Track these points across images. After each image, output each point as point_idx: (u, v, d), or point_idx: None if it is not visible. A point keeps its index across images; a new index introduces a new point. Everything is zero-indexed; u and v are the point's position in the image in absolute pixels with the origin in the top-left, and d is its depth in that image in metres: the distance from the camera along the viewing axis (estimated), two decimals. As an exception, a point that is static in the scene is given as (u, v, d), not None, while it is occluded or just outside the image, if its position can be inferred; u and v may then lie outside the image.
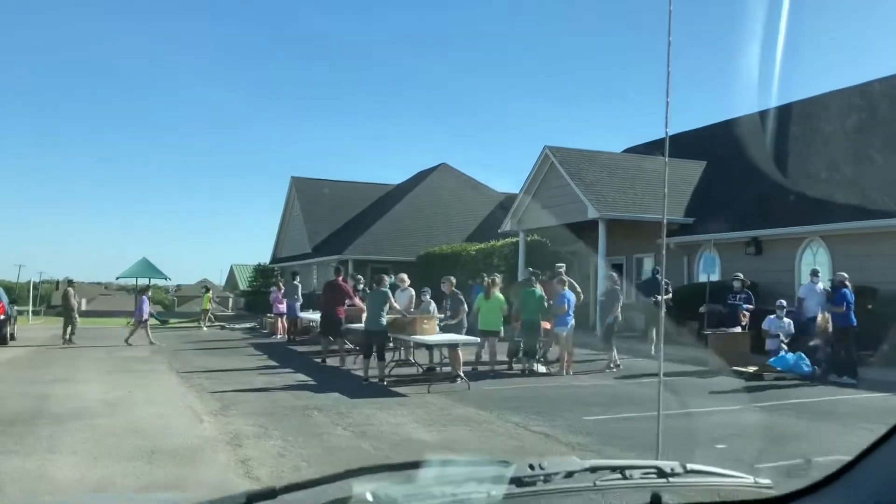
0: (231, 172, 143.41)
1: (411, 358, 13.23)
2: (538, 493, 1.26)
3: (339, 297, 15.03)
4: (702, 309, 13.18)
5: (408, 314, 12.63)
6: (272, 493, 1.11)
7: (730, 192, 19.12)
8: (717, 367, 11.59)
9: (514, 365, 12.71)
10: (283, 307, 20.86)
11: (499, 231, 23.83)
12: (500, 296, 12.56)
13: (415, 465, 1.25)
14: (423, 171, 38.48)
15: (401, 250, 31.33)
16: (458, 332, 11.86)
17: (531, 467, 1.26)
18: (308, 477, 1.22)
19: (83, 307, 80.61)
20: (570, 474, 1.29)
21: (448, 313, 12.03)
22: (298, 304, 19.90)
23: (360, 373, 12.37)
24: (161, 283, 53.67)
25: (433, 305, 13.56)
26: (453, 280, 12.33)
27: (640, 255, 20.66)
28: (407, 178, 41.28)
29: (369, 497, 1.12)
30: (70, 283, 21.89)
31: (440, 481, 1.22)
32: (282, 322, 20.74)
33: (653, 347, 13.50)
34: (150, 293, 22.59)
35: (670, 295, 13.34)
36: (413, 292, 13.94)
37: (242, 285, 54.34)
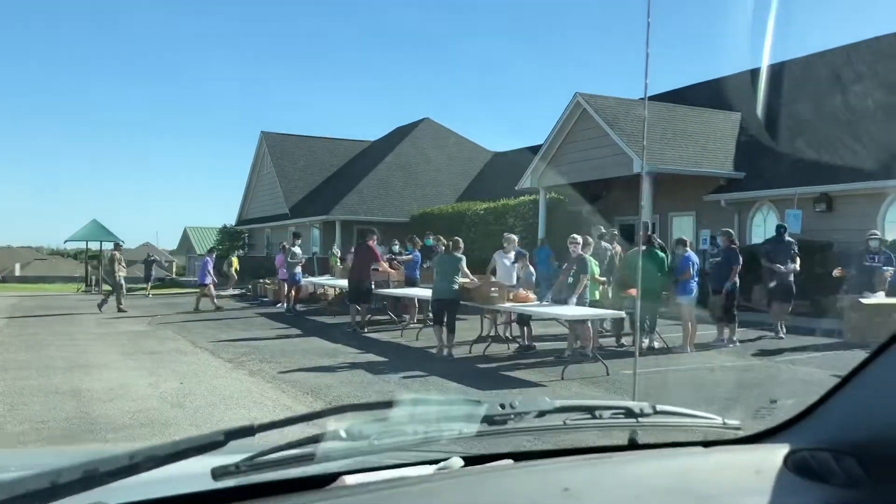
0: (187, 130, 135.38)
1: (502, 333, 11.37)
2: (509, 431, 1.26)
3: (369, 261, 13.80)
4: (836, 272, 11.54)
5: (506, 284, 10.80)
6: (250, 430, 1.08)
7: (789, 142, 17.58)
8: (859, 340, 10.06)
9: (622, 341, 10.98)
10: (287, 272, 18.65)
11: (516, 188, 21.91)
12: (593, 260, 10.70)
13: (388, 404, 1.21)
14: (403, 126, 36.17)
15: (391, 210, 29.23)
16: (578, 301, 9.96)
17: (502, 406, 1.24)
18: None
19: (17, 272, 75.74)
20: (541, 413, 1.28)
21: (570, 279, 10.08)
22: (299, 269, 17.68)
23: (434, 350, 10.53)
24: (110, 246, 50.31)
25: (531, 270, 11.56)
26: (580, 240, 10.32)
27: (678, 214, 19.03)
28: (382, 134, 38.94)
29: (342, 433, 1.12)
30: (117, 246, 20.37)
31: (412, 419, 1.20)
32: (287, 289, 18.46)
33: (780, 326, 11.73)
34: (213, 255, 20.29)
35: (797, 263, 11.58)
36: (523, 255, 11.78)
37: (199, 249, 51.23)
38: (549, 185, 20.45)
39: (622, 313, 10.17)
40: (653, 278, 9.98)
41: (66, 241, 47.40)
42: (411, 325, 13.64)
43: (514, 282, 11.10)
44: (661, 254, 10.67)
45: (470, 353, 10.65)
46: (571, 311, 9.47)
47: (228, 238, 38.15)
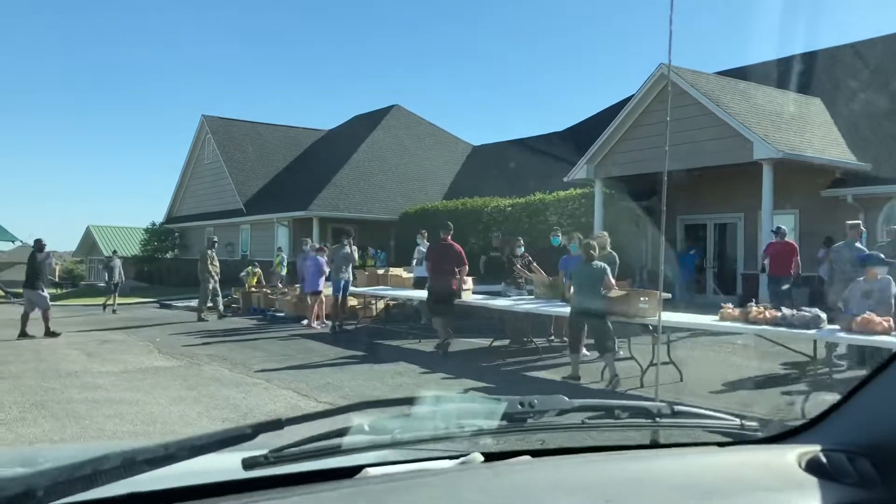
0: (89, 116, 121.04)
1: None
2: (528, 428, 1.27)
3: (453, 263, 10.87)
4: None
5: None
6: (279, 423, 1.12)
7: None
8: None
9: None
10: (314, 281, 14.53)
11: (564, 180, 18.56)
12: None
13: (410, 401, 1.25)
14: (368, 113, 32.11)
15: (376, 206, 25.29)
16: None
17: (521, 405, 1.25)
18: None
19: None
20: (561, 412, 1.30)
21: None
22: (348, 277, 13.63)
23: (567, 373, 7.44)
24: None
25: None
26: None
27: (775, 212, 16.15)
28: (339, 122, 34.75)
29: (366, 427, 1.16)
30: (213, 243, 17.15)
31: (434, 416, 1.23)
32: (318, 301, 14.28)
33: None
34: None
35: None
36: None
37: (105, 250, 44.93)
38: (615, 175, 17.19)
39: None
40: None
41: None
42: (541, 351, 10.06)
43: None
44: None
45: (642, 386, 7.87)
46: None
47: (157, 238, 32.91)
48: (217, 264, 16.57)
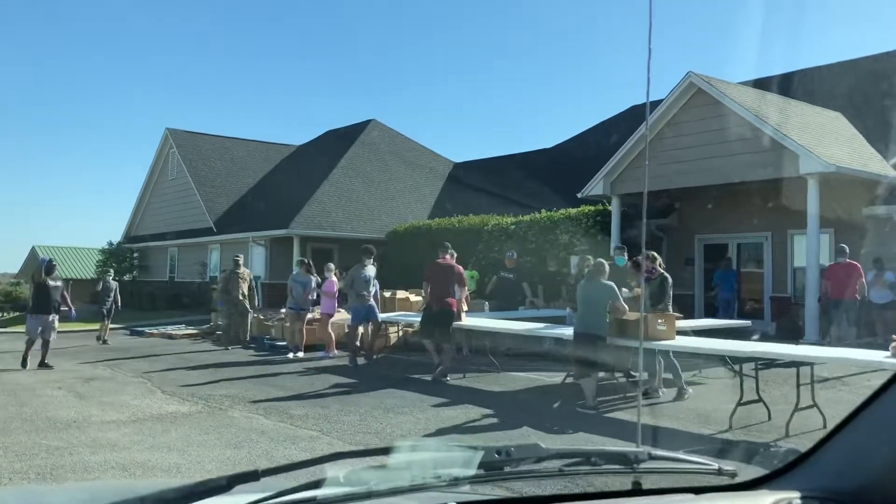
0: (39, 138, 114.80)
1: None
2: (504, 476, 1.26)
3: (452, 283, 10.60)
4: None
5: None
6: (255, 474, 1.12)
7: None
8: None
9: None
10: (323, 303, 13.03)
11: (579, 196, 17.41)
12: None
13: (385, 450, 1.26)
14: (343, 128, 30.64)
15: (359, 225, 23.78)
16: None
17: (498, 453, 1.26)
18: None
19: None
20: (538, 460, 1.29)
21: None
22: (373, 302, 12.09)
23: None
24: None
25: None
26: None
27: (803, 232, 15.16)
28: (309, 138, 33.16)
29: (342, 479, 1.15)
30: (236, 263, 15.42)
31: (409, 465, 1.23)
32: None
33: None
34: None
35: None
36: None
37: (66, 272, 42.05)
38: (633, 191, 16.10)
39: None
40: None
41: None
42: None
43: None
44: None
45: (787, 435, 6.10)
46: None
47: (115, 259, 30.67)
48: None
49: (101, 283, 16.78)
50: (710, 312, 15.85)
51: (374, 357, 11.94)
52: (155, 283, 29.37)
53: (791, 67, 19.70)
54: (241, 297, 14.76)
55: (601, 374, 8.76)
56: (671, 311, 8.75)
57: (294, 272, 15.34)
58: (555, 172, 23.98)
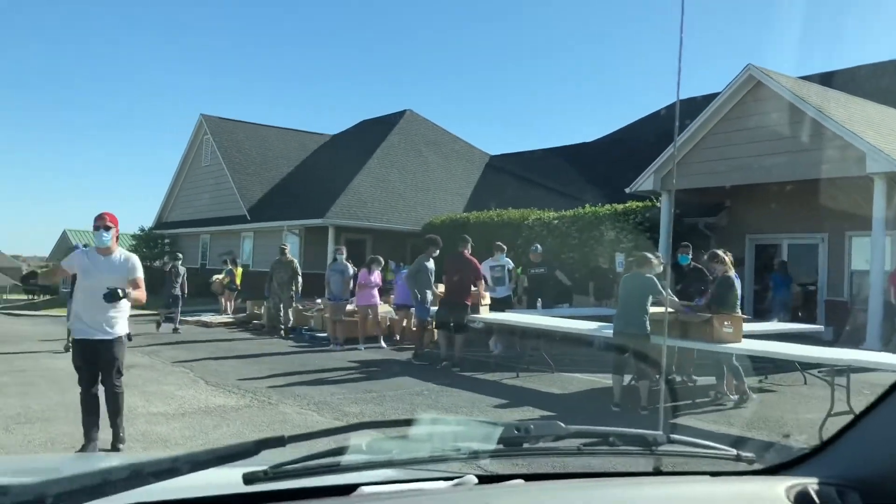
0: (74, 121, 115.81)
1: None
2: (523, 452, 1.29)
3: (469, 277, 10.86)
4: None
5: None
6: (281, 440, 1.15)
7: None
8: None
9: None
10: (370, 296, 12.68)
11: (627, 191, 16.86)
12: None
13: (408, 422, 1.28)
14: (378, 118, 30.24)
15: (394, 216, 23.36)
16: None
17: (517, 429, 1.27)
18: None
19: None
20: (556, 438, 1.31)
21: None
22: (430, 294, 11.66)
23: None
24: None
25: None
26: None
27: (862, 234, 14.45)
28: (343, 127, 32.84)
29: (364, 447, 1.18)
30: (282, 252, 15.16)
31: (431, 437, 1.26)
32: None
33: None
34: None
35: None
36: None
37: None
38: (686, 187, 15.52)
39: None
40: None
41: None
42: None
43: None
44: None
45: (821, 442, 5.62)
46: None
47: (146, 244, 30.54)
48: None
49: (169, 267, 15.88)
50: (762, 315, 15.27)
51: (423, 352, 11.53)
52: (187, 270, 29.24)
53: (843, 64, 18.93)
54: (287, 287, 14.38)
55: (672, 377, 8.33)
56: (738, 314, 8.27)
57: (331, 262, 15.01)
58: (597, 167, 23.43)
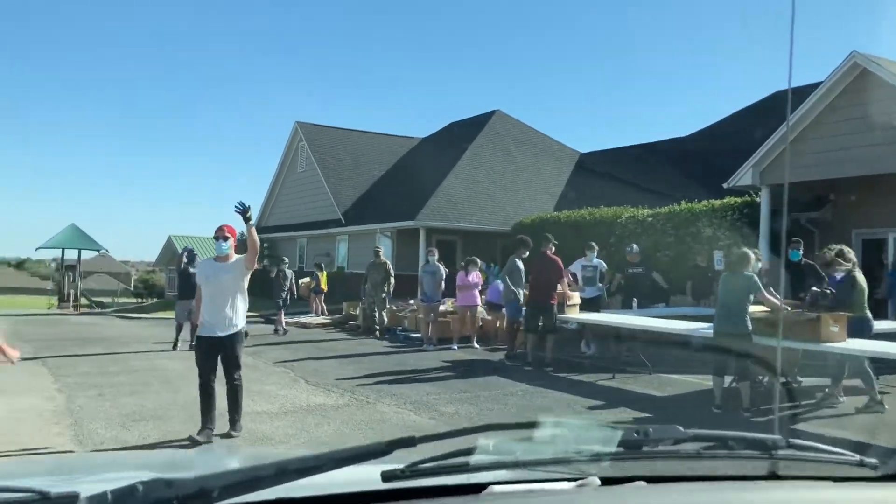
0: (178, 130, 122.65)
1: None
2: (644, 455, 1.30)
3: (553, 277, 10.92)
4: None
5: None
6: (412, 441, 1.21)
7: None
8: None
9: None
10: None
11: (724, 186, 16.36)
12: None
13: (532, 425, 1.31)
14: (467, 120, 30.39)
15: (484, 217, 23.40)
16: None
17: (637, 433, 1.29)
18: None
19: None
20: (675, 441, 1.32)
21: None
22: (519, 293, 11.67)
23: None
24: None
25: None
26: None
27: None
28: (432, 130, 33.15)
29: (491, 447, 1.23)
30: (376, 254, 15.49)
31: (554, 439, 1.28)
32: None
33: None
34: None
35: None
36: None
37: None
38: (781, 182, 14.92)
39: None
40: None
41: (37, 249, 40.44)
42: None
43: None
44: None
45: None
46: None
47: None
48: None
49: (275, 271, 16.29)
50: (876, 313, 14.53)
51: (515, 353, 11.53)
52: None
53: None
54: (380, 288, 14.67)
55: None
56: (868, 315, 7.93)
57: (423, 263, 15.19)
58: (692, 162, 22.83)
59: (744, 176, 15.74)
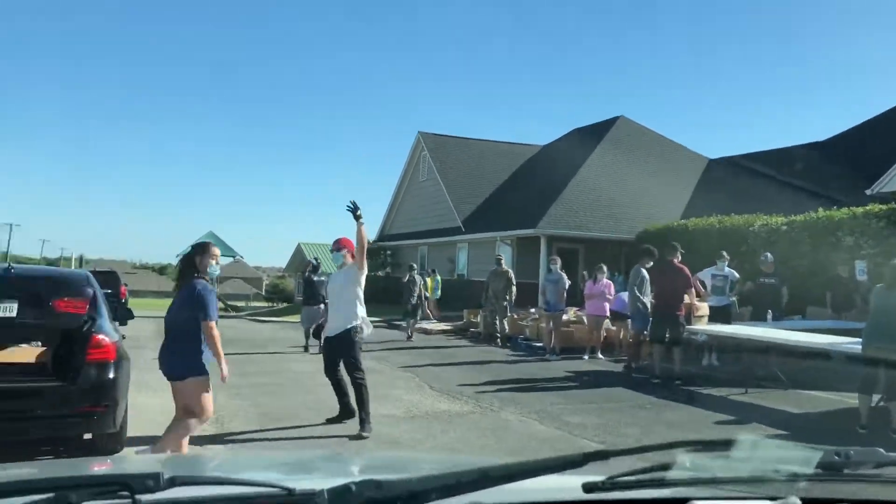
0: (305, 141, 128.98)
1: None
2: (845, 478, 1.27)
3: (680, 287, 10.41)
4: None
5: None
6: (605, 454, 1.23)
7: None
8: None
9: None
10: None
11: (868, 192, 15.42)
12: None
13: (728, 443, 1.30)
14: (590, 126, 30.01)
15: (607, 225, 23.00)
16: None
17: (837, 455, 1.26)
18: None
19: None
20: (878, 465, 1.28)
21: None
22: (646, 303, 11.41)
23: None
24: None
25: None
26: None
27: None
28: (553, 137, 32.92)
29: (688, 464, 1.23)
30: (498, 262, 15.55)
31: (751, 458, 1.27)
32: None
33: None
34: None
35: None
36: None
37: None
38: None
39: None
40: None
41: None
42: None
43: None
44: None
45: None
46: None
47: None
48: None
49: (406, 279, 16.67)
50: None
51: (641, 364, 11.26)
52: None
53: None
54: (501, 297, 14.71)
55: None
56: None
57: (546, 272, 15.10)
58: (830, 168, 21.59)
59: (890, 181, 14.74)
